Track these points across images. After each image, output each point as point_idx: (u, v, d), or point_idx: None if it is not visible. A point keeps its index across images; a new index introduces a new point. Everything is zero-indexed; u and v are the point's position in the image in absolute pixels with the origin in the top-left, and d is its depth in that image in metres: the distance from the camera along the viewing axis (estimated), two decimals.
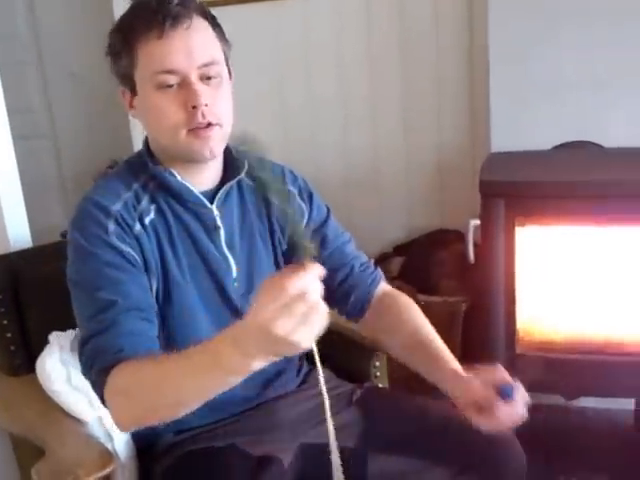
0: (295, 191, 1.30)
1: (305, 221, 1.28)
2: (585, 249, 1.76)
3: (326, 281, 1.15)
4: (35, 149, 3.57)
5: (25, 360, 1.41)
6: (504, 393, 0.95)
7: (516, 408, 1.04)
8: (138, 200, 1.14)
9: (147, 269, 1.12)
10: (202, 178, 1.19)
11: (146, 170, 1.17)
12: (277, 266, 1.28)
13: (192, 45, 1.06)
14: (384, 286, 1.34)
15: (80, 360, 1.07)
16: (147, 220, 1.14)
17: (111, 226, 1.09)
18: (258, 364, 0.84)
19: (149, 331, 1.07)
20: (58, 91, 3.63)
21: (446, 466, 1.21)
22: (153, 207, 1.15)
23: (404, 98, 2.46)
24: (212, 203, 1.19)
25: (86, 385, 1.15)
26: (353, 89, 2.50)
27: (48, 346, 1.21)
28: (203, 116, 1.08)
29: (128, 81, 1.11)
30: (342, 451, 1.23)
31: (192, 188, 1.17)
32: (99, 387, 1.02)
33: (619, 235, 1.73)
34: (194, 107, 1.07)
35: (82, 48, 3.52)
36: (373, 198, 2.56)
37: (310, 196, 1.32)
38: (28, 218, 1.90)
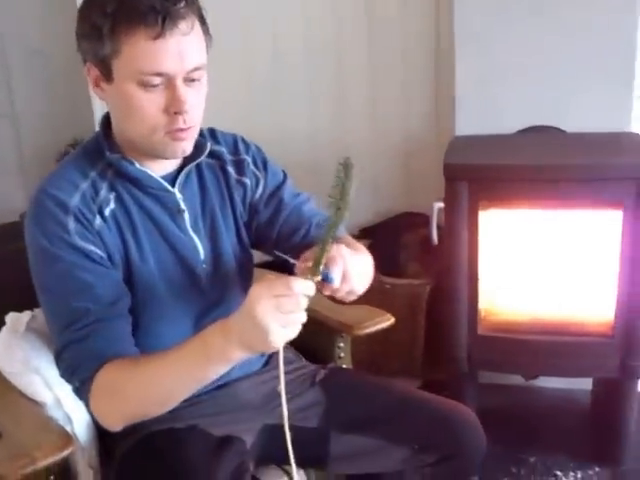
0: (249, 160, 1.28)
1: (261, 190, 1.27)
2: (546, 232, 1.79)
3: (288, 242, 1.15)
4: None
5: None
6: (324, 278, 0.95)
7: (339, 291, 1.00)
8: (96, 190, 1.11)
9: (111, 262, 1.10)
10: (162, 163, 1.16)
11: (103, 157, 1.13)
12: (239, 240, 1.27)
13: (185, 50, 1.01)
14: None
15: (59, 367, 1.08)
16: (107, 211, 1.11)
17: (71, 224, 1.06)
18: (235, 356, 0.94)
19: (125, 329, 1.09)
20: (18, 68, 3.54)
21: (407, 445, 1.22)
22: (112, 196, 1.12)
23: (370, 82, 2.45)
24: (173, 186, 1.17)
25: (43, 366, 1.15)
26: (320, 73, 2.49)
27: (4, 327, 1.18)
28: (184, 122, 1.05)
29: (103, 65, 1.04)
30: (305, 431, 1.25)
31: (152, 174, 1.14)
32: (84, 394, 1.05)
33: (580, 218, 1.76)
34: (176, 113, 1.04)
35: (43, 24, 3.44)
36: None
37: (264, 163, 1.30)
38: None
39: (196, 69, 1.04)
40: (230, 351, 0.94)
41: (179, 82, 1.03)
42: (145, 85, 1.02)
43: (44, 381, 1.13)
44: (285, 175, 1.32)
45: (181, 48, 1.01)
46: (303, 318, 0.91)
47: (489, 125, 2.03)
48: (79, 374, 1.04)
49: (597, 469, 1.87)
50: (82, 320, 1.03)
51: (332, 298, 1.07)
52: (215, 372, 0.99)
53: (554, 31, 1.94)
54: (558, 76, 1.96)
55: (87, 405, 1.06)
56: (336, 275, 0.96)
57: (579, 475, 1.85)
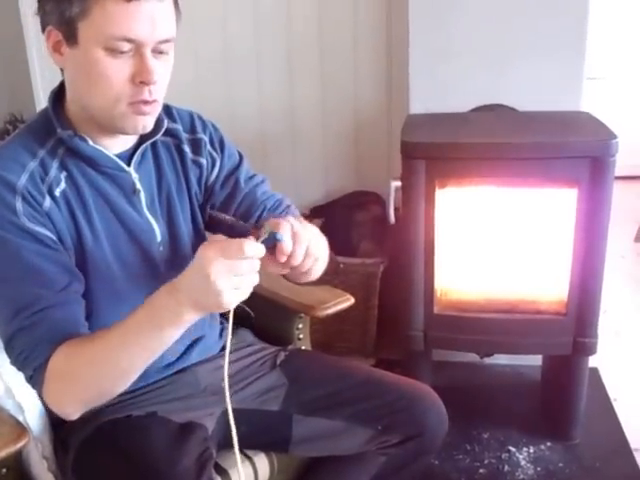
0: (206, 139, 1.23)
1: (217, 171, 1.24)
2: (502, 210, 1.80)
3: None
4: None
5: None
6: (267, 242, 0.93)
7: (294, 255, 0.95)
8: (45, 170, 1.04)
9: (62, 246, 1.04)
10: (117, 141, 1.11)
11: (53, 134, 1.06)
12: (194, 222, 1.23)
13: (157, 18, 0.97)
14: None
15: (9, 356, 1.02)
16: (57, 192, 1.05)
17: (19, 205, 0.99)
18: (188, 317, 0.92)
19: (78, 314, 1.03)
20: None
21: (371, 426, 1.22)
22: (63, 175, 1.06)
23: (320, 59, 2.42)
24: (129, 166, 1.12)
25: None
26: (269, 49, 2.44)
27: None
28: (150, 93, 1.00)
29: (67, 28, 0.98)
30: (267, 414, 1.24)
31: (107, 152, 1.09)
32: (38, 382, 0.98)
33: (535, 196, 1.77)
34: (142, 82, 0.99)
35: None
36: (290, 160, 2.53)
37: (221, 142, 1.26)
38: None
39: (166, 41, 1.00)
40: (182, 313, 0.91)
41: (148, 52, 0.98)
42: (113, 51, 0.96)
43: None
44: (241, 156, 1.29)
45: (154, 15, 0.96)
46: (256, 280, 0.90)
47: (442, 103, 2.03)
48: (31, 362, 0.98)
49: (549, 444, 1.90)
50: (32, 306, 0.98)
51: (292, 278, 1.05)
52: (169, 338, 0.95)
53: (507, 11, 1.94)
54: (510, 55, 1.97)
55: (41, 394, 1.00)
56: (285, 233, 0.93)
57: (532, 450, 1.88)
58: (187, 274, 0.91)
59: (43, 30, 1.03)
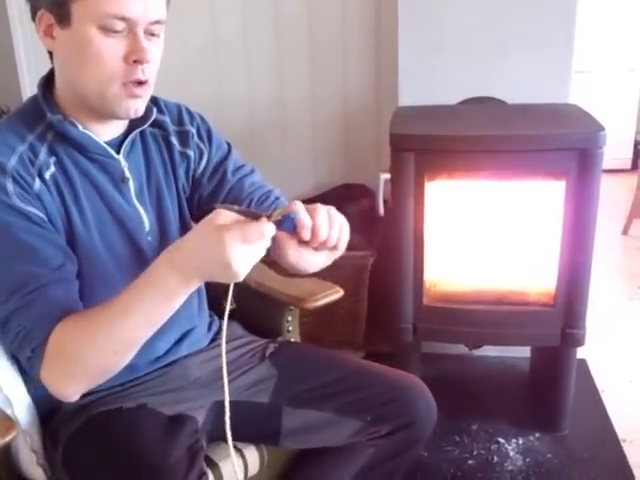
0: (193, 130, 1.23)
1: (205, 163, 1.23)
2: (491, 202, 1.80)
3: None
4: None
5: None
6: (283, 227, 0.91)
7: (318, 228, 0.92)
8: (35, 153, 1.04)
9: (53, 227, 1.03)
10: (107, 128, 1.10)
11: (42, 119, 1.06)
12: (181, 214, 1.23)
13: None
14: None
15: (6, 338, 1.00)
16: (47, 174, 1.04)
17: (10, 186, 0.98)
18: (195, 284, 0.91)
19: (74, 293, 1.02)
20: None
21: (360, 418, 1.22)
22: (53, 160, 1.05)
23: (309, 51, 2.42)
24: (118, 153, 1.11)
25: None
26: (258, 37, 2.43)
27: None
28: (143, 72, 1.00)
29: (60, 9, 0.98)
30: (257, 406, 1.24)
31: (96, 138, 1.08)
32: (37, 362, 0.96)
33: (524, 188, 1.78)
34: (136, 61, 0.99)
35: None
36: (278, 152, 2.53)
37: (209, 134, 1.25)
38: None
39: (158, 22, 1.01)
40: (186, 281, 0.90)
41: (140, 31, 0.99)
42: (106, 30, 0.97)
43: None
44: (229, 147, 1.28)
45: None
46: (263, 251, 0.88)
47: (431, 96, 2.03)
48: (29, 343, 0.96)
49: (538, 435, 1.91)
50: (28, 285, 0.96)
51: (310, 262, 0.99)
52: (170, 306, 0.93)
53: (496, 4, 1.95)
54: (499, 48, 1.98)
55: (39, 375, 0.97)
56: (298, 211, 0.90)
57: (520, 441, 1.89)
58: (195, 242, 0.89)
59: (33, 16, 1.03)
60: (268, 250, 0.90)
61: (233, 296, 0.95)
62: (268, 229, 0.86)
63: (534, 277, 1.83)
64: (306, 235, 0.91)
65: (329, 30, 2.37)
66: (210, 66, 2.48)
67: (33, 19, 1.04)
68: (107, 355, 0.96)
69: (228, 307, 0.94)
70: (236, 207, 0.93)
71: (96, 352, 0.95)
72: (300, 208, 0.91)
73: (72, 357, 0.95)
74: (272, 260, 1.02)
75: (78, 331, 0.95)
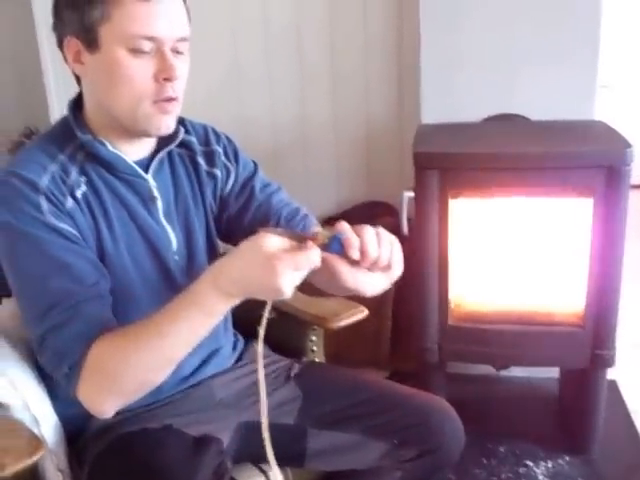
0: (220, 150, 1.24)
1: (232, 182, 1.24)
2: (517, 221, 1.78)
3: None
4: None
5: None
6: (331, 249, 0.89)
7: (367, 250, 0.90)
8: (66, 173, 1.05)
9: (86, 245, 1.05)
10: (136, 148, 1.12)
11: (73, 139, 1.08)
12: (208, 233, 1.23)
13: (174, 16, 1.02)
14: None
15: (42, 355, 1.00)
16: (79, 193, 1.05)
17: (43, 204, 1.00)
18: (234, 302, 0.93)
19: (109, 310, 1.03)
20: None
21: (386, 440, 1.20)
22: (83, 179, 1.07)
23: (331, 70, 2.43)
24: (146, 173, 1.13)
25: (7, 367, 1.09)
26: (280, 60, 2.45)
27: None
28: (173, 90, 1.03)
29: (87, 34, 1.00)
30: (282, 428, 1.23)
31: (125, 158, 1.10)
32: (74, 379, 0.97)
33: (550, 206, 1.76)
34: (165, 79, 1.01)
35: None
36: (301, 170, 2.53)
37: (235, 154, 1.27)
38: None
39: (183, 39, 1.04)
40: (228, 301, 0.92)
41: (167, 50, 1.01)
42: (135, 51, 0.99)
43: (9, 382, 1.07)
44: (256, 166, 1.29)
45: (171, 13, 1.01)
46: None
47: (454, 113, 2.02)
48: (66, 360, 0.97)
49: (567, 458, 1.88)
50: (64, 302, 0.97)
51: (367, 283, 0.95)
52: (212, 323, 0.95)
53: (519, 20, 1.94)
54: (523, 65, 1.97)
55: (75, 392, 0.98)
56: (343, 231, 0.89)
57: (550, 465, 1.86)
58: (244, 265, 0.89)
59: (60, 44, 1.05)
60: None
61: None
62: (316, 255, 0.87)
63: (562, 296, 1.80)
64: (355, 254, 0.89)
65: (351, 49, 2.38)
66: (233, 88, 2.49)
67: (60, 47, 1.06)
68: (145, 372, 0.97)
69: (266, 316, 0.94)
70: (280, 229, 0.93)
71: (134, 369, 0.95)
72: (346, 228, 0.90)
73: (110, 374, 0.96)
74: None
75: (116, 348, 0.95)
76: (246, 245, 0.89)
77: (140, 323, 0.96)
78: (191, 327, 0.94)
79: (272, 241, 0.87)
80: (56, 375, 1.00)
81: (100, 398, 0.98)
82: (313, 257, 0.86)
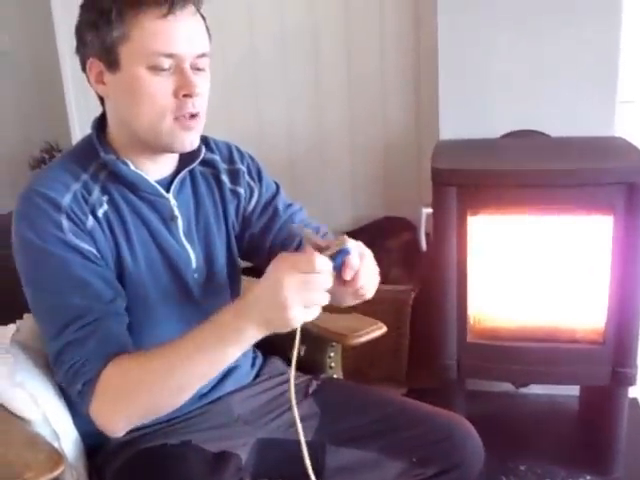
0: (244, 169, 1.26)
1: (255, 201, 1.26)
2: (536, 238, 1.77)
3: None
4: None
5: None
6: (334, 261, 0.91)
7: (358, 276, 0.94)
8: (88, 192, 1.07)
9: (105, 264, 1.06)
10: (158, 167, 1.13)
11: (96, 158, 1.09)
12: (229, 251, 1.24)
13: (193, 32, 1.03)
14: None
15: (58, 371, 1.02)
16: (100, 212, 1.07)
17: (64, 222, 1.02)
18: (252, 334, 0.92)
19: (125, 328, 1.04)
20: None
21: (405, 458, 1.19)
22: (105, 199, 1.08)
23: (348, 83, 2.44)
24: (168, 192, 1.14)
25: (29, 381, 1.10)
26: (297, 75, 2.46)
27: None
28: (193, 106, 1.04)
29: (109, 54, 1.02)
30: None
31: (146, 177, 1.11)
32: (88, 396, 0.98)
33: (570, 224, 1.75)
34: (186, 95, 1.02)
35: (13, 24, 3.37)
36: (318, 186, 2.54)
37: (259, 173, 1.28)
38: None
39: (203, 55, 1.04)
40: (246, 330, 0.91)
41: (187, 66, 1.02)
42: (155, 69, 1.01)
43: (30, 396, 1.08)
44: (278, 186, 1.31)
45: (190, 30, 1.02)
46: (325, 300, 0.90)
47: (473, 129, 2.02)
48: (81, 376, 0.98)
49: (588, 477, 1.85)
50: (82, 319, 0.98)
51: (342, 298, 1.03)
52: (232, 356, 0.95)
53: (538, 35, 1.94)
54: (542, 80, 1.96)
55: (88, 409, 0.99)
56: (352, 247, 0.92)
57: None
58: (257, 288, 0.91)
59: (83, 66, 1.07)
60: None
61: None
62: (320, 259, 0.88)
63: (582, 314, 1.79)
64: (348, 275, 0.93)
65: (368, 64, 2.39)
66: (249, 98, 2.51)
67: (84, 69, 1.08)
68: (158, 398, 0.98)
69: (295, 354, 0.94)
70: (309, 231, 0.95)
71: (149, 394, 0.97)
72: (353, 244, 0.93)
73: (124, 396, 0.97)
74: None
75: (133, 371, 0.96)
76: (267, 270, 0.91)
77: (158, 348, 0.97)
78: (207, 358, 0.95)
79: (285, 259, 0.89)
80: (70, 391, 1.02)
81: (111, 417, 0.99)
82: (315, 259, 0.87)
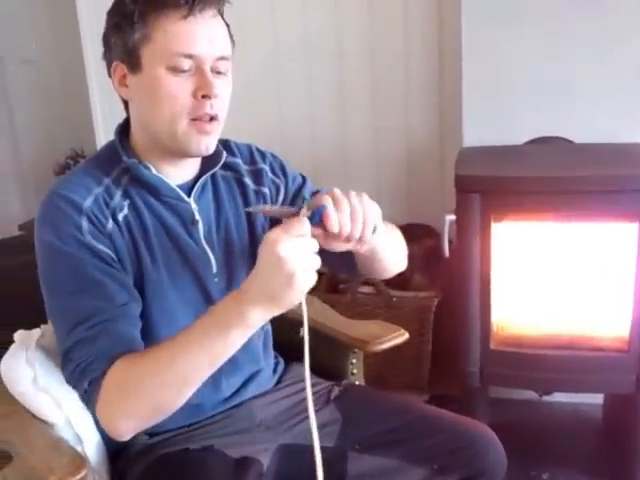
0: (267, 168, 1.26)
1: (282, 196, 1.26)
2: (560, 245, 1.76)
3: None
4: None
5: None
6: (313, 216, 0.93)
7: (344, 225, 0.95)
8: (110, 195, 1.08)
9: (122, 267, 1.07)
10: (179, 171, 1.14)
11: (119, 163, 1.11)
12: (251, 255, 1.23)
13: (214, 35, 1.04)
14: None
15: (65, 369, 1.02)
16: (120, 216, 1.08)
17: (84, 224, 1.03)
18: (255, 317, 0.90)
19: (136, 332, 1.04)
20: (14, 78, 3.52)
21: (427, 465, 1.19)
22: (127, 203, 1.10)
23: (372, 90, 2.44)
24: (189, 196, 1.15)
25: (53, 386, 1.11)
26: (321, 84, 2.47)
27: (13, 345, 1.14)
28: (211, 107, 1.04)
29: (131, 56, 1.04)
30: (322, 450, 1.21)
31: (168, 181, 1.12)
32: (92, 396, 0.98)
33: (594, 231, 1.73)
34: (204, 96, 1.03)
35: (40, 34, 3.42)
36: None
37: (282, 168, 1.29)
38: None
39: (223, 58, 1.05)
40: (249, 313, 0.90)
41: (207, 68, 1.03)
42: (175, 69, 1.02)
43: (54, 400, 1.09)
44: (304, 178, 1.32)
45: (210, 31, 1.03)
46: (318, 263, 0.89)
47: (496, 136, 2.01)
48: (87, 375, 0.98)
49: None
50: (92, 319, 0.99)
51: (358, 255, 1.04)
52: (235, 342, 0.93)
53: (561, 41, 1.93)
54: (566, 86, 1.95)
55: (94, 409, 0.99)
56: (327, 204, 0.93)
57: None
58: (255, 270, 0.90)
59: (109, 71, 1.09)
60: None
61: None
62: (306, 222, 0.89)
63: (607, 321, 1.77)
64: (333, 229, 0.93)
65: (392, 70, 2.39)
66: (272, 101, 2.53)
67: (109, 74, 1.09)
68: (163, 393, 0.96)
69: (307, 337, 0.93)
70: (268, 207, 0.95)
71: (153, 389, 0.95)
72: (328, 201, 0.93)
73: (128, 394, 0.96)
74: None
75: (137, 369, 0.96)
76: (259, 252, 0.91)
77: (162, 343, 0.97)
78: (211, 346, 0.93)
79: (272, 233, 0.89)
80: (77, 390, 1.02)
81: (117, 417, 0.98)
82: (304, 220, 0.89)
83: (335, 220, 0.93)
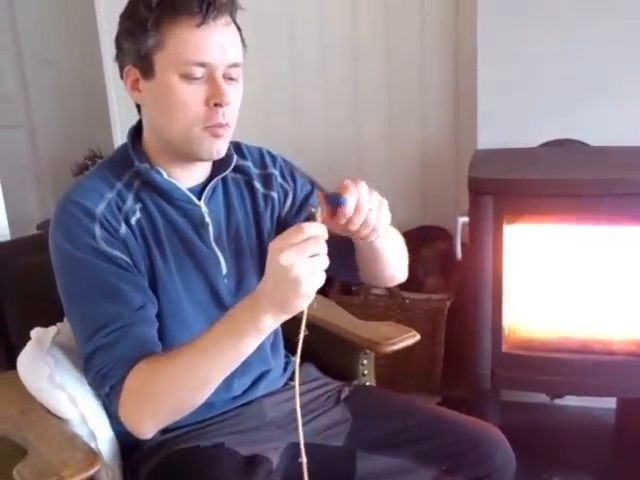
0: (277, 173, 1.27)
1: (290, 201, 1.28)
2: (573, 247, 1.76)
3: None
4: (10, 138, 3.50)
5: (5, 357, 1.37)
6: (331, 202, 0.96)
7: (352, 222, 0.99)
8: (122, 200, 1.10)
9: (137, 270, 1.09)
10: (190, 175, 1.16)
11: (131, 167, 1.12)
12: (261, 258, 1.24)
13: (226, 42, 1.04)
14: None
15: (87, 374, 1.05)
16: (133, 220, 1.10)
17: (98, 231, 1.05)
18: (267, 323, 0.92)
19: (154, 334, 1.07)
20: (35, 78, 3.56)
21: (435, 466, 1.19)
22: (138, 206, 1.11)
23: (387, 93, 2.44)
24: (200, 199, 1.16)
25: (68, 382, 1.14)
26: (336, 84, 2.48)
27: (30, 342, 1.17)
28: (223, 116, 1.06)
29: (144, 62, 1.05)
30: (331, 450, 1.23)
31: (179, 185, 1.14)
32: (114, 399, 1.01)
33: (606, 234, 1.73)
34: (216, 105, 1.04)
35: (59, 34, 3.45)
36: None
37: (292, 174, 1.30)
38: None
39: (235, 65, 1.06)
40: (261, 320, 0.92)
41: (219, 76, 1.04)
42: (187, 77, 1.03)
43: (69, 397, 1.12)
44: (313, 184, 1.32)
45: (223, 39, 1.03)
46: (326, 262, 0.90)
47: (511, 138, 2.01)
48: (109, 380, 1.01)
49: None
50: (111, 324, 1.02)
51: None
52: (249, 347, 0.96)
53: (578, 44, 1.92)
54: (581, 90, 1.95)
55: (117, 412, 1.02)
56: (350, 198, 0.96)
57: None
58: (263, 279, 0.92)
59: (121, 74, 1.10)
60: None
61: (310, 338, 0.95)
62: (309, 226, 0.90)
63: (620, 325, 1.76)
64: (341, 221, 0.98)
65: (407, 72, 2.40)
66: (288, 109, 2.54)
67: (122, 76, 1.11)
68: (182, 394, 0.99)
69: (302, 334, 0.94)
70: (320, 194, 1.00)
71: (172, 391, 0.99)
72: (353, 196, 0.97)
73: (149, 396, 1.00)
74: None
75: (156, 372, 0.99)
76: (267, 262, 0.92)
77: (179, 347, 1.00)
78: (226, 352, 0.96)
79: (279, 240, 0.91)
80: (100, 394, 1.06)
81: (138, 418, 1.02)
82: (303, 226, 0.89)
83: (347, 217, 0.97)
